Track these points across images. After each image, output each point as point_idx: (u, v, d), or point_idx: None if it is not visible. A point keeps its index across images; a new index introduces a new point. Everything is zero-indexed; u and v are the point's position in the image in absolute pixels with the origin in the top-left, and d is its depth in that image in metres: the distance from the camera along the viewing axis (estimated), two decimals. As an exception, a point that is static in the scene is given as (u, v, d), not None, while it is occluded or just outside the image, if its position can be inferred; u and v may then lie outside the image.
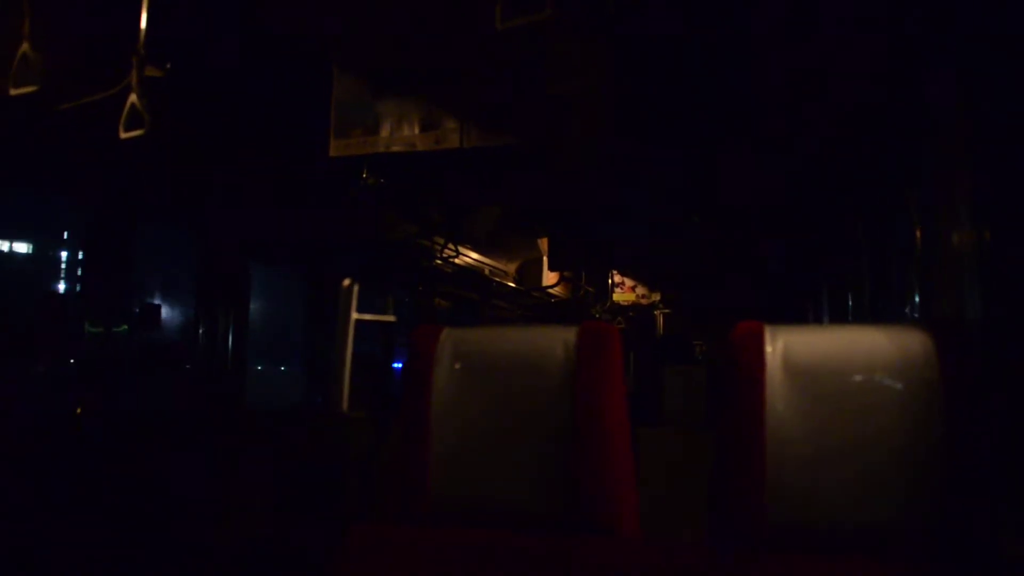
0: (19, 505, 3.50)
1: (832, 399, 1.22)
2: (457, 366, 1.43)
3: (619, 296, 11.33)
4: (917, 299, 3.48)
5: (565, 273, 9.15)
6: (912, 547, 1.16)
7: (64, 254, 36.31)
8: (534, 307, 9.88)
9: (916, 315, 3.49)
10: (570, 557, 1.28)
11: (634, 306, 12.02)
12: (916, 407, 1.18)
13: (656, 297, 11.91)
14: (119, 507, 3.96)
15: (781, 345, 1.27)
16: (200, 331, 4.85)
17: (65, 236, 36.09)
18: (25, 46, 2.46)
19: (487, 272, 8.06)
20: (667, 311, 12.46)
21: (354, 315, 4.07)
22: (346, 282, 4.49)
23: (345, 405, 3.95)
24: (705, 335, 11.17)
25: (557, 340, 1.40)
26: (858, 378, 1.22)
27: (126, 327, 4.17)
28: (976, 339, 2.20)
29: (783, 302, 10.78)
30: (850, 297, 5.96)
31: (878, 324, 1.29)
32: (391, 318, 4.94)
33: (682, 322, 12.75)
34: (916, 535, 1.16)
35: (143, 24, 2.71)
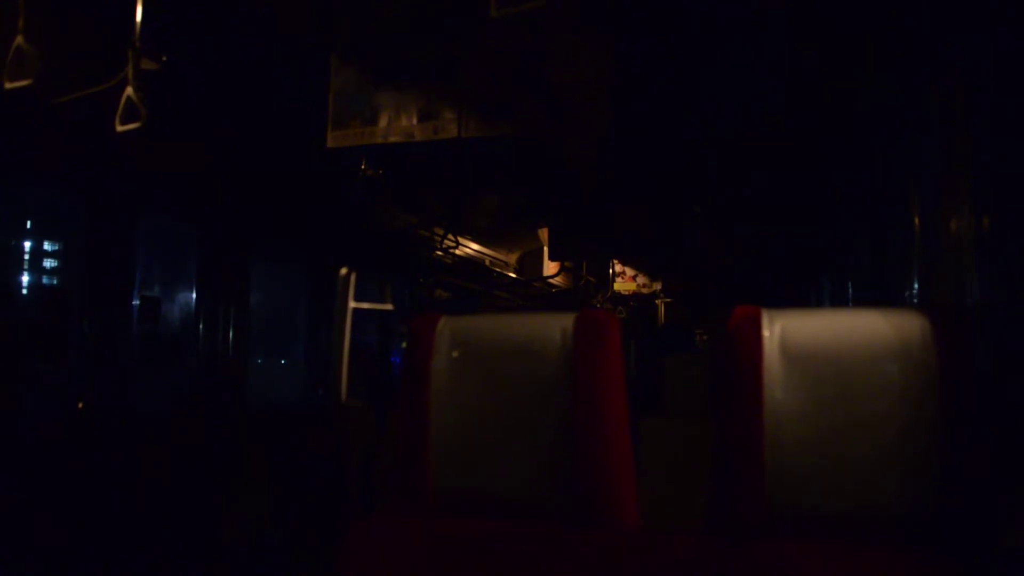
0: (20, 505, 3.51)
1: (830, 383, 1.22)
2: (455, 354, 1.43)
3: (620, 285, 11.32)
4: (916, 284, 3.48)
5: (566, 263, 9.15)
6: (910, 531, 1.16)
7: (28, 244, 35.45)
8: (535, 297, 9.88)
9: (915, 300, 3.48)
10: (570, 546, 1.28)
11: (635, 295, 12.01)
12: (914, 391, 1.18)
13: (657, 286, 11.90)
14: (121, 505, 3.96)
15: (779, 329, 1.26)
16: (200, 325, 4.84)
17: (28, 225, 35.32)
18: (19, 39, 2.45)
19: (487, 262, 8.06)
20: (668, 300, 12.45)
21: (351, 304, 4.04)
22: (343, 271, 4.46)
23: (344, 395, 3.94)
24: (706, 324, 11.16)
25: (555, 328, 1.39)
26: (856, 362, 1.22)
27: (127, 322, 4.16)
28: (973, 323, 2.19)
29: (785, 289, 10.77)
30: (850, 283, 5.96)
31: (876, 308, 1.28)
32: (388, 306, 4.92)
33: (683, 311, 12.74)
34: (914, 519, 1.15)
35: (139, 17, 2.70)
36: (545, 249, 7.86)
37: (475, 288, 8.57)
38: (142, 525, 4.03)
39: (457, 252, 6.73)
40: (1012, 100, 2.22)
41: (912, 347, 1.20)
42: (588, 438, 1.32)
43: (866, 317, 1.26)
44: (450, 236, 6.03)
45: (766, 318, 1.28)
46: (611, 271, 10.83)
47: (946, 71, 2.73)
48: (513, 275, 8.83)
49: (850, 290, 6.03)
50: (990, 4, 2.33)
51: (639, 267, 11.31)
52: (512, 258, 8.91)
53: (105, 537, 3.80)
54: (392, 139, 3.79)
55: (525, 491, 1.34)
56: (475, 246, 7.66)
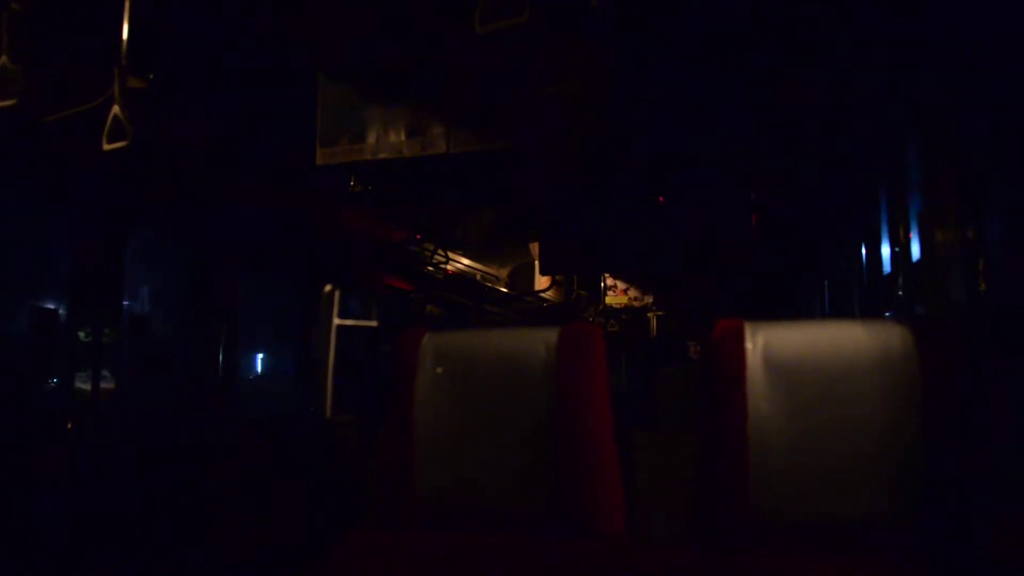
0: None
1: (813, 394, 1.22)
2: (440, 370, 1.43)
3: (612, 299, 11.32)
4: (900, 294, 3.49)
5: (557, 277, 9.14)
6: (894, 540, 1.16)
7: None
8: (527, 312, 9.88)
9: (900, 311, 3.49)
10: (555, 558, 1.28)
11: (627, 309, 12.01)
12: (896, 401, 1.18)
13: (649, 299, 11.91)
14: (113, 517, 3.94)
15: (761, 342, 1.27)
16: (190, 340, 4.83)
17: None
18: (3, 59, 2.45)
19: (479, 277, 8.05)
20: (660, 313, 12.45)
21: (336, 320, 4.04)
22: (327, 288, 4.45)
23: (329, 411, 3.93)
24: (699, 337, 11.16)
25: (539, 342, 1.39)
26: (838, 373, 1.22)
27: (116, 336, 4.15)
28: (955, 335, 2.20)
29: (775, 303, 10.78)
30: (838, 295, 5.98)
31: (858, 320, 1.29)
32: (373, 323, 4.93)
33: (676, 324, 12.74)
34: (898, 528, 1.16)
35: (125, 35, 2.70)
36: (536, 263, 7.85)
37: (466, 303, 8.56)
38: (125, 539, 4.02)
39: (448, 267, 6.73)
40: (997, 115, 2.23)
41: (894, 358, 1.21)
42: (573, 450, 1.32)
43: (848, 329, 1.27)
44: (440, 251, 6.02)
45: (749, 331, 1.28)
46: (603, 284, 10.84)
47: (934, 86, 2.75)
48: (505, 290, 8.82)
49: (838, 302, 6.05)
50: (980, 22, 2.35)
51: (631, 280, 11.32)
52: (503, 273, 8.91)
53: (83, 551, 3.79)
54: (381, 155, 3.80)
55: (511, 504, 1.34)
56: (466, 261, 7.65)
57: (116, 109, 2.69)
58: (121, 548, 3.97)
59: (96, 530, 3.85)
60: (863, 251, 4.54)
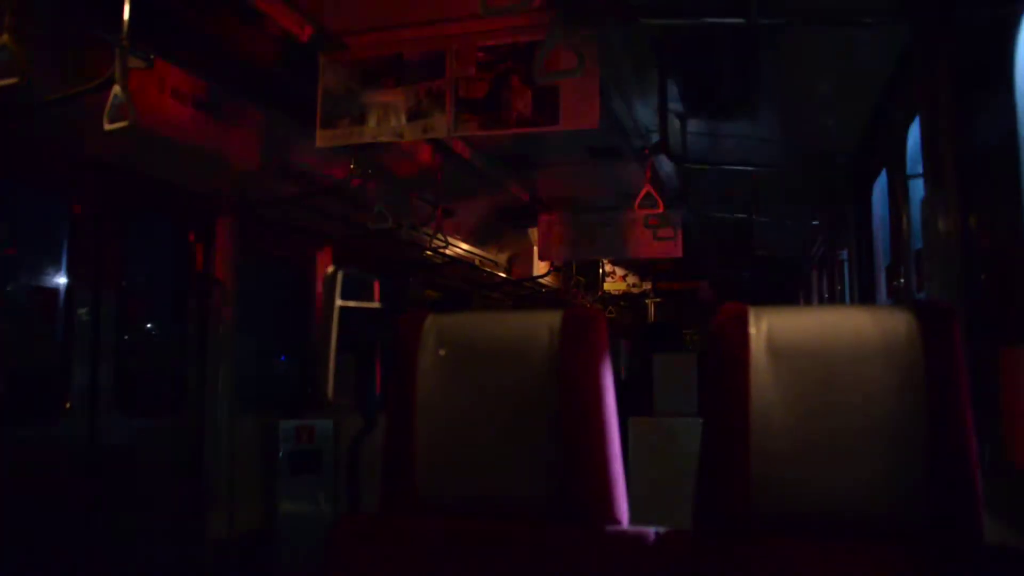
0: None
1: (817, 380, 1.21)
2: (442, 353, 1.42)
3: (610, 285, 11.34)
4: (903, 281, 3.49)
5: (556, 263, 9.15)
6: (896, 528, 1.16)
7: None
8: (525, 297, 9.88)
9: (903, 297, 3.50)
10: (557, 546, 1.28)
11: (625, 295, 12.04)
12: (900, 387, 1.18)
13: (647, 286, 11.93)
14: (109, 500, 3.96)
15: (765, 327, 1.26)
16: (190, 324, 4.83)
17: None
18: (5, 37, 2.43)
19: (477, 262, 8.04)
20: (658, 300, 12.48)
21: (338, 302, 4.00)
22: (330, 269, 4.42)
23: (331, 394, 3.90)
24: (696, 322, 11.20)
25: (542, 326, 1.38)
26: (842, 359, 1.21)
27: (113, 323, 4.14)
28: (960, 321, 2.20)
29: (775, 288, 10.81)
30: (839, 281, 5.99)
31: (862, 305, 1.28)
32: (376, 305, 4.89)
33: (674, 310, 12.77)
34: (900, 516, 1.16)
35: (126, 15, 2.68)
36: (535, 249, 7.85)
37: (465, 288, 8.56)
38: (131, 510, 4.04)
39: (447, 252, 6.71)
40: (998, 106, 2.23)
41: (898, 344, 1.20)
42: (575, 435, 1.32)
43: (853, 314, 1.26)
44: (439, 235, 6.00)
45: (753, 316, 1.27)
46: (601, 271, 10.85)
47: (935, 77, 2.74)
48: (503, 275, 8.82)
49: (838, 288, 6.06)
50: (982, 15, 2.34)
51: (629, 267, 11.34)
52: (502, 258, 8.90)
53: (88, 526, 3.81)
54: (381, 139, 3.78)
55: (512, 489, 1.34)
56: (465, 246, 7.65)
57: (117, 89, 2.67)
58: (118, 534, 3.99)
59: (88, 511, 3.86)
60: (868, 240, 4.54)
